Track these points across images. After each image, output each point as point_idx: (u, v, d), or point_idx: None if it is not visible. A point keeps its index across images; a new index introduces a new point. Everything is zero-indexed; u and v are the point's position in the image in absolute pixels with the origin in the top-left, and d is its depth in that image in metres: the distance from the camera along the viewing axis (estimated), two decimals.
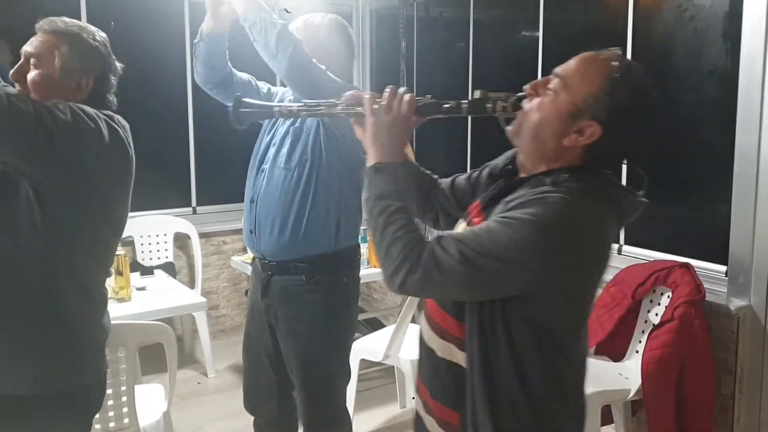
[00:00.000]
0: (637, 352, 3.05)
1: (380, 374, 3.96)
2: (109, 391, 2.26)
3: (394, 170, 1.41)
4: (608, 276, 3.32)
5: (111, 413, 2.37)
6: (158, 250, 4.56)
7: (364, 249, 3.82)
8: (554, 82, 1.35)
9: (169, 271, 4.24)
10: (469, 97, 1.43)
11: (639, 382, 2.81)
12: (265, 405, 2.52)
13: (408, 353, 3.24)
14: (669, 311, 2.85)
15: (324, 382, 2.42)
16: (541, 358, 1.33)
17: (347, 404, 2.57)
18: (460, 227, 1.50)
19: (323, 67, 2.19)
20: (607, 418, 3.02)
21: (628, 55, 3.43)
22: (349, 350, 2.51)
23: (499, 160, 1.56)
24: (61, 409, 1.76)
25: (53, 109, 1.61)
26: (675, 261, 3.06)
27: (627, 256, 3.47)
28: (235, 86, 2.44)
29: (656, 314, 3.03)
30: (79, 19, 4.20)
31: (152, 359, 3.04)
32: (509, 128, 1.40)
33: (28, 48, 1.77)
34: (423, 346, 1.52)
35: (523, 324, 1.32)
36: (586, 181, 1.31)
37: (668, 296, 2.99)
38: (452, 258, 1.26)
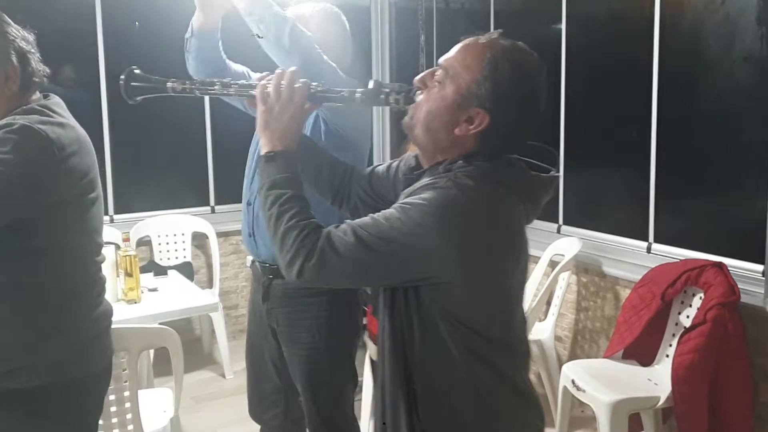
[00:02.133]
0: (667, 356, 2.90)
1: None
2: (111, 397, 2.21)
3: (285, 158, 1.39)
4: (636, 276, 3.17)
5: (114, 420, 2.30)
6: (176, 250, 4.51)
7: None
8: (439, 73, 1.34)
9: (187, 271, 4.19)
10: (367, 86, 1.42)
11: (669, 388, 2.66)
12: (271, 412, 2.44)
13: None
14: (701, 313, 2.70)
15: (329, 388, 2.33)
16: (465, 350, 1.29)
17: (359, 407, 2.47)
18: None
19: (333, 65, 2.09)
20: (636, 425, 2.87)
21: (655, 43, 3.28)
22: (354, 353, 2.41)
23: (411, 159, 1.53)
24: (73, 397, 1.75)
25: None
26: (707, 260, 2.90)
27: (656, 254, 3.32)
28: (230, 76, 2.33)
29: (687, 316, 2.88)
30: (95, 19, 4.18)
31: (162, 362, 2.97)
32: (403, 121, 1.40)
33: None
34: (371, 361, 1.50)
35: (436, 315, 1.28)
36: (478, 166, 1.30)
37: (700, 297, 2.83)
38: (348, 241, 1.25)
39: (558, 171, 1.41)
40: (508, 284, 1.35)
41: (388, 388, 1.34)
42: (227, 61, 2.34)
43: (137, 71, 1.57)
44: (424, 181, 1.32)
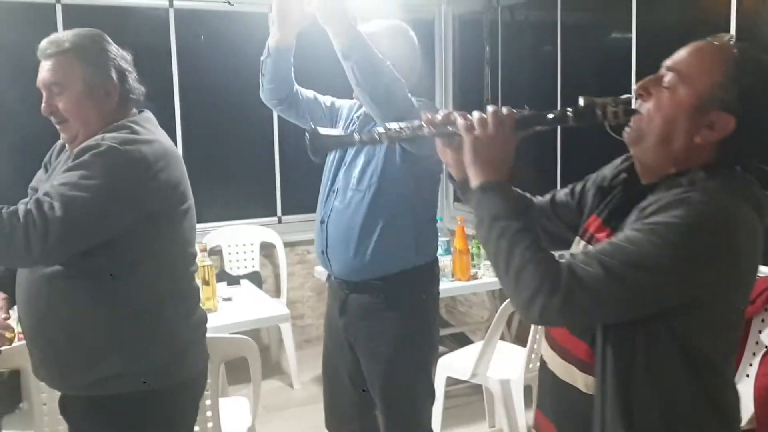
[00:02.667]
0: (747, 376, 2.83)
1: (468, 391, 3.84)
2: None
3: (503, 188, 1.28)
4: None
5: (197, 428, 2.35)
6: (245, 260, 4.61)
7: (448, 261, 3.73)
8: (669, 77, 1.24)
9: (255, 280, 4.27)
10: (578, 104, 1.29)
11: (751, 409, 2.59)
12: (348, 425, 2.47)
13: (497, 372, 3.12)
14: None
15: (407, 402, 2.35)
16: (692, 381, 1.21)
17: (433, 423, 2.48)
18: (579, 247, 1.38)
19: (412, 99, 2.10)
20: None
21: None
22: (432, 368, 2.43)
23: (606, 171, 1.44)
24: (175, 400, 1.83)
25: (65, 195, 1.59)
26: None
27: None
28: (300, 103, 2.40)
29: None
30: (168, 35, 4.32)
31: (236, 370, 3.04)
32: (626, 135, 1.28)
33: (44, 77, 1.74)
34: (543, 367, 1.40)
35: (670, 344, 1.19)
36: (724, 179, 1.20)
37: None
38: (596, 274, 1.13)
39: None
40: (741, 309, 1.28)
41: (602, 422, 1.25)
42: (297, 85, 2.39)
43: (321, 130, 1.50)
44: (664, 195, 1.20)
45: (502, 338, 3.10)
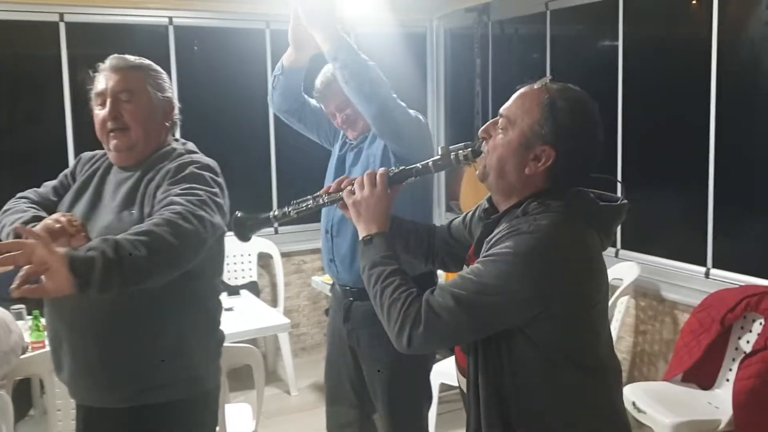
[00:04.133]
0: (727, 380, 2.97)
1: (459, 397, 3.95)
2: None
3: (381, 239, 1.53)
4: (695, 301, 3.24)
5: None
6: (243, 270, 4.71)
7: (443, 274, 3.84)
8: (501, 121, 1.46)
9: (253, 290, 4.38)
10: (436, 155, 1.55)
11: (730, 412, 2.72)
12: (348, 429, 2.57)
13: None
14: (762, 339, 2.76)
15: (406, 406, 2.46)
16: (555, 377, 1.39)
17: (428, 427, 2.59)
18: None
19: (412, 113, 2.25)
20: None
21: (713, 68, 3.37)
22: (430, 374, 2.54)
23: (485, 202, 1.63)
24: (197, 409, 1.89)
25: (205, 202, 1.69)
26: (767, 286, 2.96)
27: (715, 280, 3.38)
28: (308, 114, 2.54)
29: (747, 342, 2.94)
30: (167, 43, 4.43)
31: (237, 379, 3.14)
32: (476, 173, 1.51)
33: (113, 86, 1.82)
34: (461, 392, 1.61)
35: (530, 349, 1.38)
36: (551, 204, 1.39)
37: (760, 323, 2.89)
38: (447, 304, 1.35)
39: (624, 198, 1.50)
40: (594, 311, 1.44)
41: (483, 417, 1.43)
42: (305, 96, 2.52)
43: (240, 215, 1.70)
44: (504, 227, 1.40)
45: None
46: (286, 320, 3.67)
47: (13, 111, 4.53)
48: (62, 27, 4.19)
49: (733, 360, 2.98)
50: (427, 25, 5.35)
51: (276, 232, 4.97)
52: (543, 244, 1.34)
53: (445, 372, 3.40)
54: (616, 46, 3.88)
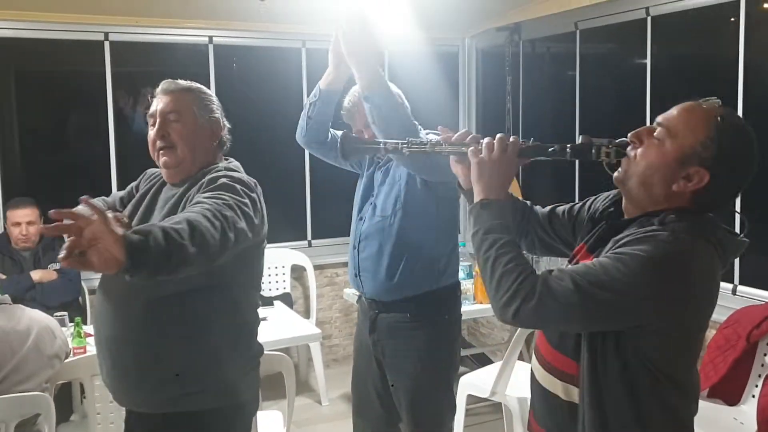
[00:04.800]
0: (753, 396, 2.97)
1: (488, 410, 4.00)
2: None
3: (500, 206, 1.48)
4: (721, 317, 3.25)
5: None
6: (277, 282, 4.83)
7: (470, 285, 3.91)
8: (659, 131, 1.41)
9: (286, 302, 4.48)
10: (576, 141, 1.50)
11: (756, 428, 2.74)
12: None
13: (515, 390, 3.27)
14: None
15: (431, 416, 2.51)
16: (654, 393, 1.38)
17: None
18: None
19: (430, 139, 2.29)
20: None
21: (740, 86, 3.40)
22: (454, 384, 2.60)
23: (599, 203, 1.63)
24: (230, 419, 1.96)
25: (235, 209, 1.75)
26: None
27: (742, 296, 3.39)
28: (331, 143, 2.53)
29: None
30: (207, 61, 4.59)
31: (269, 387, 3.22)
32: (616, 174, 1.47)
33: (163, 108, 1.96)
34: (533, 381, 1.59)
35: (636, 360, 1.37)
36: (691, 222, 1.37)
37: None
38: (567, 287, 1.32)
39: (745, 236, 1.46)
40: (702, 335, 1.44)
41: (583, 429, 1.43)
42: (332, 130, 2.56)
43: (353, 134, 1.78)
44: (637, 231, 1.37)
45: (521, 358, 3.26)
46: (318, 330, 3.76)
47: (60, 126, 4.73)
48: (107, 46, 4.38)
49: (759, 376, 2.99)
50: (459, 43, 5.44)
51: (309, 245, 5.09)
52: (679, 256, 1.32)
53: (473, 384, 3.46)
54: (644, 65, 3.92)
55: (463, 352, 4.52)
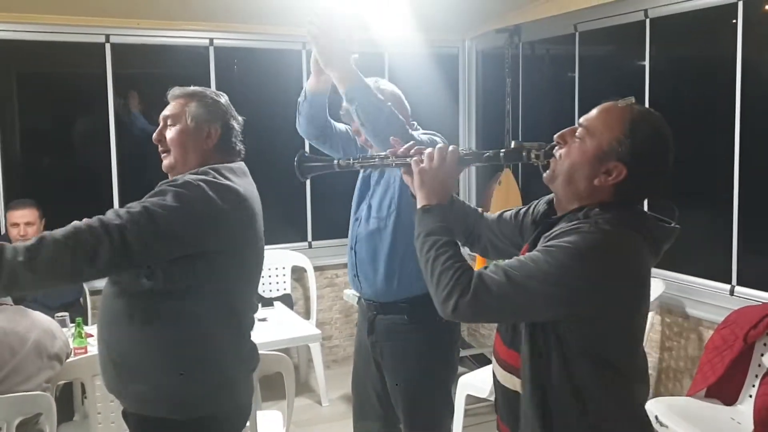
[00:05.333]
0: (750, 396, 2.99)
1: (487, 410, 4.01)
2: None
3: (440, 210, 1.58)
4: (719, 317, 3.27)
5: None
6: (277, 283, 4.85)
7: None
8: (580, 131, 1.51)
9: (286, 303, 4.50)
10: (508, 147, 1.60)
11: (752, 427, 2.75)
12: None
13: None
14: None
15: (428, 417, 2.52)
16: (594, 378, 1.45)
17: None
18: None
19: (426, 139, 2.31)
20: None
21: (738, 87, 3.41)
22: (452, 386, 2.61)
23: (541, 205, 1.70)
24: (215, 429, 1.96)
25: (143, 214, 1.76)
26: None
27: (739, 297, 3.40)
28: (334, 137, 2.59)
29: None
30: (208, 63, 4.61)
31: (269, 387, 3.24)
32: (545, 175, 1.56)
33: (164, 113, 2.04)
34: (495, 380, 1.65)
35: (573, 347, 1.44)
36: (615, 213, 1.45)
37: None
38: (500, 280, 1.40)
39: (677, 223, 1.54)
40: (636, 320, 1.51)
41: (529, 418, 1.49)
42: (331, 120, 2.59)
43: (307, 154, 1.82)
44: (565, 225, 1.46)
45: None
46: (318, 331, 3.78)
47: (62, 128, 4.75)
48: (108, 48, 4.39)
49: (756, 376, 3.00)
50: (459, 45, 5.45)
51: (310, 246, 5.11)
52: (603, 244, 1.40)
53: (471, 384, 3.48)
54: (643, 66, 3.94)
55: (463, 353, 4.54)
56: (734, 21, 3.41)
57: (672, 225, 1.54)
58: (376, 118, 2.16)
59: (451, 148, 1.63)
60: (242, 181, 2.00)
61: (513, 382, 1.56)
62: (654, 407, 3.07)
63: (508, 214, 1.81)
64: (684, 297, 3.67)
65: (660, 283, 3.62)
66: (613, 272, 1.42)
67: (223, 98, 2.10)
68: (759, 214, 3.43)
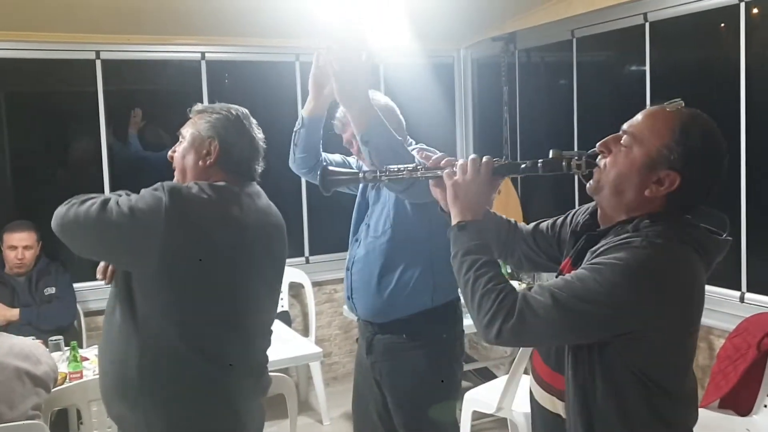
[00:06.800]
0: (765, 406, 2.92)
1: (493, 425, 3.93)
2: None
3: (477, 227, 1.48)
4: (730, 325, 3.20)
5: None
6: None
7: None
8: (625, 138, 1.42)
9: (284, 320, 4.40)
10: (548, 156, 1.50)
11: None
12: None
13: (521, 405, 3.21)
14: None
15: None
16: (643, 401, 1.36)
17: None
18: None
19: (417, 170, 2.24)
20: None
21: (742, 90, 3.36)
22: (455, 404, 2.55)
23: (580, 215, 1.62)
24: None
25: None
26: None
27: (750, 304, 3.33)
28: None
29: None
30: (200, 77, 4.54)
31: (270, 406, 3.14)
32: (588, 185, 1.48)
33: (180, 130, 2.01)
34: (532, 400, 1.57)
35: (621, 369, 1.35)
36: (666, 226, 1.37)
37: None
38: (546, 303, 1.32)
39: (729, 235, 1.46)
40: (689, 340, 1.43)
41: None
42: (323, 153, 2.52)
43: (331, 168, 1.74)
44: (612, 239, 1.38)
45: (526, 372, 3.19)
46: (318, 349, 3.69)
47: (53, 146, 4.67)
48: (98, 64, 4.32)
49: None
50: (455, 54, 5.40)
51: (307, 261, 5.03)
52: (655, 261, 1.32)
53: (477, 399, 3.40)
54: (644, 72, 3.89)
55: (466, 367, 4.44)
56: (736, 23, 3.36)
57: (724, 237, 1.45)
58: (387, 160, 2.01)
59: (485, 158, 1.53)
60: (235, 205, 1.89)
61: (554, 404, 1.48)
62: None
63: (544, 225, 1.73)
64: None
65: None
66: (666, 290, 1.34)
67: (236, 115, 2.00)
68: (767, 218, 3.36)
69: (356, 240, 2.51)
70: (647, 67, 3.87)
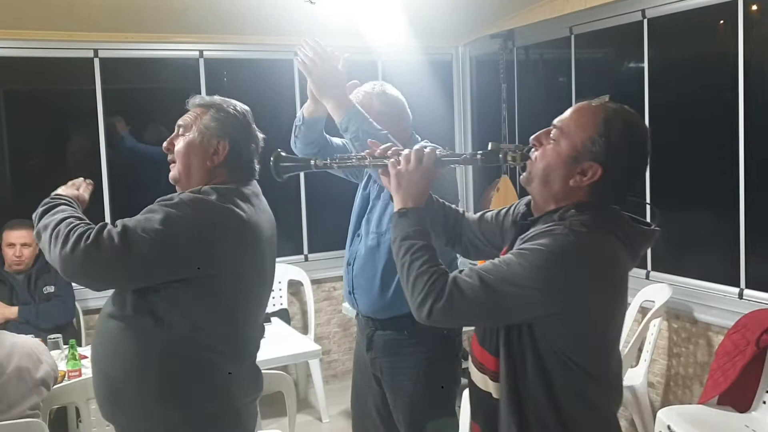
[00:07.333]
0: (764, 402, 2.92)
1: None
2: None
3: (417, 214, 1.57)
4: (729, 322, 3.20)
5: None
6: (273, 297, 4.74)
7: None
8: (554, 132, 1.51)
9: (283, 317, 4.41)
10: (486, 149, 1.61)
11: None
12: None
13: None
14: None
15: None
16: (568, 383, 1.44)
17: None
18: None
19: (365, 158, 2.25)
20: None
21: (740, 87, 3.36)
22: (455, 399, 2.54)
23: (521, 206, 1.68)
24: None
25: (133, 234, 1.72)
26: None
27: (749, 300, 3.33)
28: (332, 151, 2.47)
29: None
30: (198, 75, 4.54)
31: (269, 404, 3.16)
32: (522, 177, 1.56)
33: (179, 121, 1.96)
34: (470, 381, 1.63)
35: (547, 350, 1.43)
36: (590, 215, 1.44)
37: None
38: (474, 284, 1.40)
39: (658, 227, 1.53)
40: (611, 324, 1.50)
41: (504, 422, 1.49)
42: (327, 137, 2.53)
43: (284, 154, 1.78)
44: (540, 227, 1.46)
45: None
46: (317, 347, 3.70)
47: (51, 145, 4.66)
48: (97, 63, 4.32)
49: None
50: (453, 52, 5.40)
51: (306, 259, 5.03)
52: (576, 247, 1.39)
53: None
54: (642, 68, 3.88)
55: (465, 364, 4.46)
56: (734, 19, 3.35)
57: (651, 227, 1.51)
58: (367, 146, 2.07)
59: (428, 149, 1.61)
60: (247, 205, 1.90)
61: (485, 383, 1.54)
62: (665, 416, 3.00)
63: (489, 215, 1.80)
64: (691, 301, 3.60)
65: (666, 288, 3.55)
66: (586, 274, 1.40)
67: (242, 113, 1.99)
68: (766, 214, 3.36)
69: (357, 235, 2.50)
70: (645, 64, 3.87)
